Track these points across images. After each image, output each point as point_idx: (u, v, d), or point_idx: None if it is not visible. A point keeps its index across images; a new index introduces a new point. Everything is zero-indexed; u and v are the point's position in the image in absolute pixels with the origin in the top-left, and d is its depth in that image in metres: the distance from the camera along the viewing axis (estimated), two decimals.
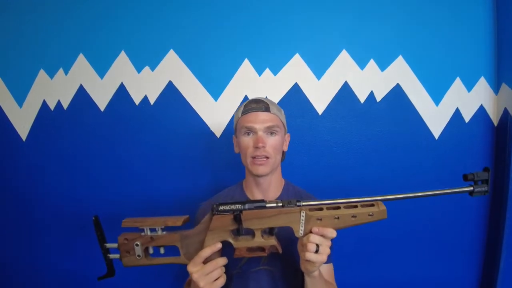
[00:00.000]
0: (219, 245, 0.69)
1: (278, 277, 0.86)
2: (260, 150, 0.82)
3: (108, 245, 0.73)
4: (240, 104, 0.90)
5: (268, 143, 0.83)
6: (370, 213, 0.66)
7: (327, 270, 0.86)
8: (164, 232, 0.71)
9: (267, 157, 0.83)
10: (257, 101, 0.87)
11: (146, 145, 1.27)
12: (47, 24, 1.28)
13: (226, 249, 0.71)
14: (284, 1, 1.22)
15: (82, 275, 1.33)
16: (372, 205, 0.67)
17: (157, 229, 0.70)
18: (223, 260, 0.69)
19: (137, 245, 0.70)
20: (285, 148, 0.92)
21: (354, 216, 0.66)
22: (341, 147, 1.25)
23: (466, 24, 1.21)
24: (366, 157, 1.24)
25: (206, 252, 0.68)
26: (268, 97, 1.22)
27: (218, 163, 1.26)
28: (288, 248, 0.78)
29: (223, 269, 0.70)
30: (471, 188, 0.66)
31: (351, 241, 1.24)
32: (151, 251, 0.72)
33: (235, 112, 0.92)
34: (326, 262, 0.85)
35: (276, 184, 0.91)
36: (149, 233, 0.70)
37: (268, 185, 0.89)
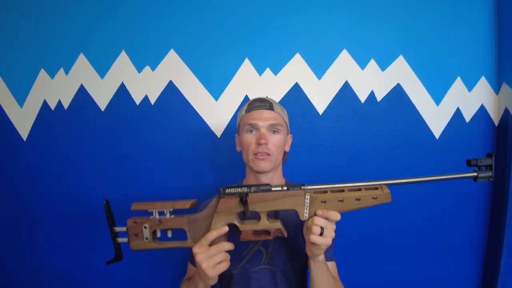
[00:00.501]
0: (226, 228, 0.69)
1: (279, 276, 0.86)
2: (262, 147, 0.83)
3: (117, 229, 0.74)
4: (244, 103, 0.91)
5: (271, 140, 0.84)
6: (374, 196, 0.67)
7: (331, 268, 0.85)
8: (172, 216, 0.72)
9: (269, 154, 0.84)
10: (261, 100, 0.89)
11: (147, 145, 1.27)
12: (47, 24, 1.29)
13: (232, 240, 0.72)
14: (285, 0, 1.22)
15: (82, 275, 1.33)
16: (376, 188, 0.68)
17: (165, 212, 0.71)
18: (228, 245, 0.69)
19: (145, 227, 0.71)
20: (287, 149, 0.93)
21: (358, 199, 0.67)
22: (341, 147, 1.25)
23: (466, 23, 1.21)
24: (367, 157, 1.24)
25: (212, 234, 0.68)
26: (269, 97, 1.22)
27: (218, 163, 1.26)
28: (291, 240, 0.79)
29: (228, 255, 0.70)
30: (475, 174, 0.66)
31: (352, 240, 1.24)
32: (158, 234, 0.73)
33: (239, 111, 0.92)
34: (329, 260, 0.85)
35: (277, 183, 0.91)
36: (157, 216, 0.71)
37: (269, 182, 0.89)
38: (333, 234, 0.67)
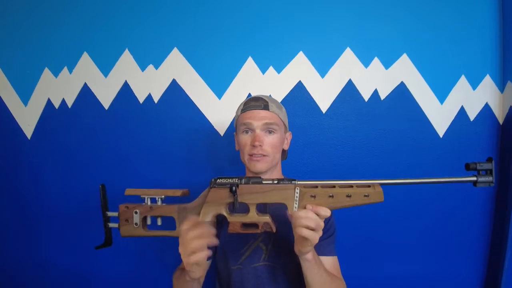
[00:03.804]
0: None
1: (279, 273, 0.85)
2: (257, 148, 0.82)
3: (109, 214, 0.77)
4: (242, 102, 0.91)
5: (266, 141, 0.84)
6: (366, 194, 0.66)
7: (331, 263, 0.85)
8: (163, 204, 0.74)
9: (264, 155, 0.84)
10: (256, 99, 0.87)
11: (150, 143, 1.28)
12: (51, 22, 1.29)
13: (224, 236, 0.71)
14: None
15: (85, 272, 1.34)
16: (368, 186, 0.67)
17: (157, 199, 0.73)
18: (206, 230, 0.65)
19: (136, 212, 0.73)
20: (286, 147, 0.93)
21: (348, 196, 0.66)
22: (345, 146, 1.24)
23: (471, 21, 1.20)
24: (370, 155, 1.24)
25: (191, 220, 0.66)
26: (272, 95, 1.22)
27: (221, 161, 1.26)
28: (291, 236, 0.78)
29: (204, 241, 0.64)
30: (474, 178, 0.63)
31: (354, 239, 1.24)
32: (148, 222, 0.75)
33: (236, 111, 0.92)
34: (329, 255, 0.85)
35: None
36: (149, 203, 0.74)
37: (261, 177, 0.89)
38: (321, 233, 0.65)
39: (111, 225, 0.76)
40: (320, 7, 1.22)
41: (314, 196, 0.67)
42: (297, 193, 0.68)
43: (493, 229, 1.25)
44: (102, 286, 1.33)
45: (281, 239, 0.84)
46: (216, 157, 1.26)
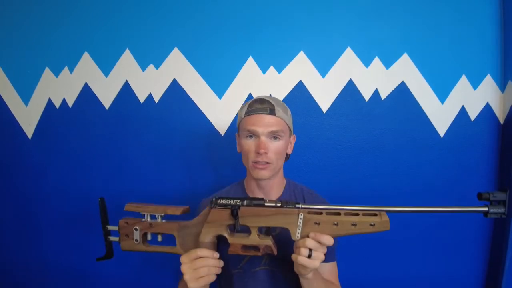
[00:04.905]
0: (216, 255, 0.70)
1: (279, 277, 0.85)
2: (262, 156, 0.79)
3: (110, 227, 0.76)
4: (245, 102, 0.89)
5: (271, 148, 0.81)
6: (372, 223, 0.64)
7: (330, 269, 0.85)
8: (164, 221, 0.73)
9: (268, 163, 0.81)
10: (262, 101, 0.82)
11: (151, 143, 1.28)
12: (51, 22, 1.29)
13: (226, 247, 0.71)
14: None
15: (87, 274, 1.34)
16: (375, 214, 0.65)
17: (157, 216, 0.72)
18: (214, 261, 0.69)
19: (136, 229, 0.72)
20: (289, 151, 0.90)
21: (354, 224, 0.65)
22: (345, 145, 1.24)
23: (472, 21, 1.20)
24: (371, 155, 1.24)
25: (203, 252, 0.68)
26: (273, 95, 1.22)
27: (221, 161, 1.26)
28: (289, 249, 0.78)
29: (212, 269, 0.69)
30: (486, 209, 0.62)
31: (354, 239, 1.24)
32: (149, 237, 0.74)
33: (239, 110, 0.91)
34: (330, 261, 0.84)
35: (278, 185, 0.90)
36: (149, 219, 0.73)
37: (270, 187, 0.88)
38: (322, 257, 0.65)
39: (112, 238, 0.76)
40: (321, 7, 1.21)
41: (318, 224, 0.65)
42: (300, 218, 0.66)
43: (493, 229, 1.25)
44: (103, 286, 1.33)
45: (282, 244, 0.83)
46: (216, 157, 1.26)
